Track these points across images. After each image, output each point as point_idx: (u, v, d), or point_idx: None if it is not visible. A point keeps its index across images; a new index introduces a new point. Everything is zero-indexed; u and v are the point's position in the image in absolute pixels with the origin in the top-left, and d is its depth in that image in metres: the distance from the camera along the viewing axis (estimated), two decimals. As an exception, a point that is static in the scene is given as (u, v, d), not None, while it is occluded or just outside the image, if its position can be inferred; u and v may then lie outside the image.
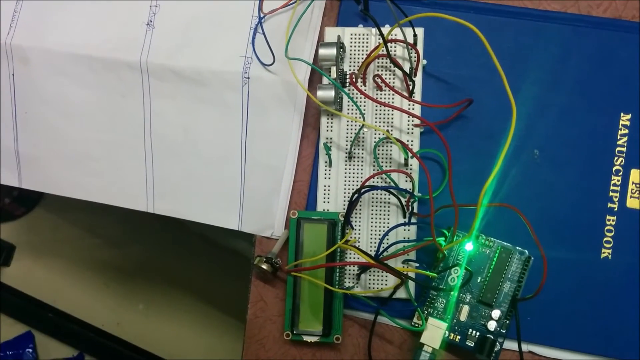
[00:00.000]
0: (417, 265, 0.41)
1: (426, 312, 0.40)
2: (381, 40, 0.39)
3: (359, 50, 0.43)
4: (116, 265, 0.95)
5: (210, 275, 0.93)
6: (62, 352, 0.92)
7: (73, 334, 0.92)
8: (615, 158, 0.42)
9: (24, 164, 0.48)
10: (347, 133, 0.43)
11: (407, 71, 0.42)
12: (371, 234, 0.42)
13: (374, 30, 0.43)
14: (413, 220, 0.42)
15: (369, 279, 0.42)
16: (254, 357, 0.43)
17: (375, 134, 0.42)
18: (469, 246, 0.40)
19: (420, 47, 0.42)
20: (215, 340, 0.92)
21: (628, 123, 0.42)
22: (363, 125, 0.42)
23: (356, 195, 0.40)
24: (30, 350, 0.90)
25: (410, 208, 0.42)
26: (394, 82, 0.43)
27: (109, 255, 0.96)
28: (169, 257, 0.95)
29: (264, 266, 0.42)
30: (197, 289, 0.93)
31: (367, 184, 0.41)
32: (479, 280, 0.40)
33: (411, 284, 0.41)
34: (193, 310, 0.93)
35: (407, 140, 0.42)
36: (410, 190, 0.41)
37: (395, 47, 0.43)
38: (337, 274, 0.41)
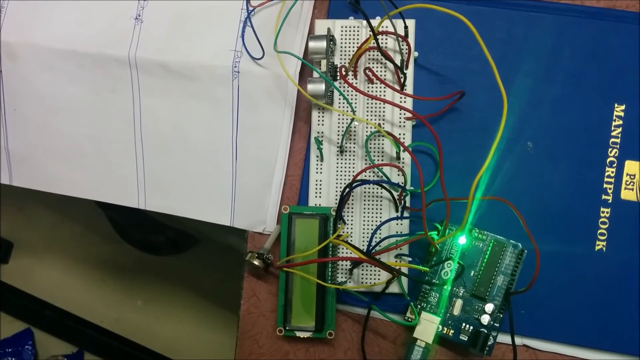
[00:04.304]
0: (410, 259, 0.41)
1: (419, 306, 0.40)
2: (372, 33, 0.39)
3: (349, 43, 0.42)
4: (114, 261, 0.95)
5: (206, 271, 0.93)
6: (61, 348, 0.92)
7: (72, 330, 0.93)
8: (610, 149, 0.41)
9: (14, 162, 0.48)
10: (339, 127, 0.42)
11: (399, 64, 0.41)
12: (363, 229, 0.42)
13: (365, 22, 0.42)
14: (405, 214, 0.41)
15: (362, 274, 0.42)
16: (248, 353, 0.43)
17: (366, 127, 0.42)
18: (462, 240, 0.40)
19: (411, 39, 0.42)
20: (213, 335, 0.92)
21: (622, 114, 0.41)
22: (353, 119, 0.41)
23: (348, 189, 0.39)
24: (30, 347, 0.91)
25: (402, 202, 0.41)
26: (385, 75, 0.42)
27: (107, 251, 0.96)
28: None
29: (256, 262, 0.42)
30: (194, 284, 0.93)
31: (358, 178, 0.40)
32: (472, 274, 0.40)
33: (404, 279, 0.41)
34: (191, 306, 0.93)
35: (399, 134, 0.42)
36: (402, 184, 0.41)
37: (386, 39, 0.42)
38: (330, 269, 0.41)
